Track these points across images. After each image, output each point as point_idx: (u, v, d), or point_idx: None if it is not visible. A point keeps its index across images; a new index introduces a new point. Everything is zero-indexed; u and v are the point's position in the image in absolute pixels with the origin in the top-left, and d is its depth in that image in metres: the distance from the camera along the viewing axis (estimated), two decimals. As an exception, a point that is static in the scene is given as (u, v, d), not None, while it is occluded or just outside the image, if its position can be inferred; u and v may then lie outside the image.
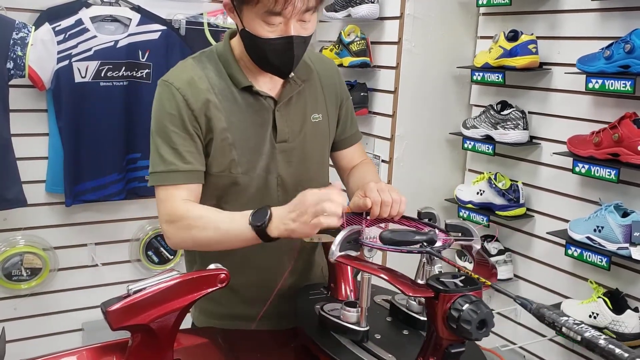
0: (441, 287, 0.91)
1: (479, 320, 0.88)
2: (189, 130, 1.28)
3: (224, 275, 1.01)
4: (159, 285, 0.95)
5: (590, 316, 1.97)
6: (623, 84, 1.88)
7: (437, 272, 1.08)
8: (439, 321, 0.92)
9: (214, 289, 1.00)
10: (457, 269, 1.02)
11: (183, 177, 1.28)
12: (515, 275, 2.44)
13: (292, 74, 1.35)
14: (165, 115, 1.29)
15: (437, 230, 1.15)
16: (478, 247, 1.13)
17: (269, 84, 1.35)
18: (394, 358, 1.00)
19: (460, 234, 1.14)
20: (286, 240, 1.25)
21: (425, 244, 1.05)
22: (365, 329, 1.06)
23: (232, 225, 1.22)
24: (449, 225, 1.16)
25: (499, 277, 2.41)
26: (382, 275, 1.00)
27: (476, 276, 0.95)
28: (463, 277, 0.94)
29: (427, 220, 1.22)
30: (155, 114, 1.32)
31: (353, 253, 1.08)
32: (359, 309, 1.09)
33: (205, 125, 1.29)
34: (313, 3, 1.22)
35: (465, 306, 0.88)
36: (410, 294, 0.96)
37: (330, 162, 1.54)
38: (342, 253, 1.07)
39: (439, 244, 1.09)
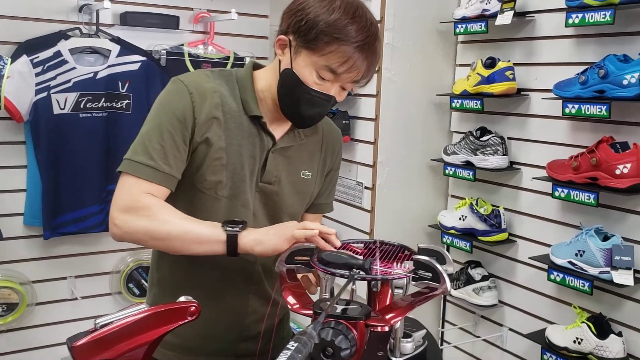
0: (317, 310, 0.99)
1: (321, 346, 0.92)
2: (184, 135, 1.25)
3: (194, 307, 0.99)
4: (127, 318, 0.93)
5: (574, 341, 1.95)
6: (599, 108, 1.89)
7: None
8: None
9: (183, 322, 0.98)
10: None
11: (159, 177, 1.25)
12: (500, 301, 2.42)
13: None
14: (168, 111, 1.26)
15: (402, 264, 1.13)
16: (440, 291, 1.09)
17: (275, 124, 1.35)
18: None
19: (431, 275, 1.11)
20: (254, 280, 1.38)
21: (356, 270, 1.06)
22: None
23: (199, 225, 1.22)
24: (418, 262, 1.12)
25: (484, 303, 2.39)
26: (285, 294, 1.13)
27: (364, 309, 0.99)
28: (354, 307, 0.98)
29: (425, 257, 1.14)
30: (158, 105, 1.28)
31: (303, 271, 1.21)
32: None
33: (204, 139, 1.27)
34: (360, 79, 1.26)
35: (317, 330, 0.90)
36: (291, 308, 1.07)
37: None
38: (290, 266, 1.19)
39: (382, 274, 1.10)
